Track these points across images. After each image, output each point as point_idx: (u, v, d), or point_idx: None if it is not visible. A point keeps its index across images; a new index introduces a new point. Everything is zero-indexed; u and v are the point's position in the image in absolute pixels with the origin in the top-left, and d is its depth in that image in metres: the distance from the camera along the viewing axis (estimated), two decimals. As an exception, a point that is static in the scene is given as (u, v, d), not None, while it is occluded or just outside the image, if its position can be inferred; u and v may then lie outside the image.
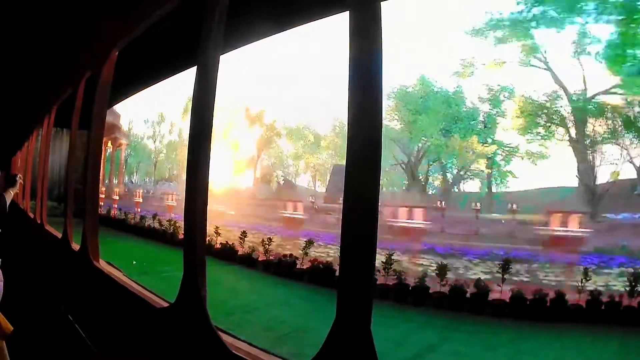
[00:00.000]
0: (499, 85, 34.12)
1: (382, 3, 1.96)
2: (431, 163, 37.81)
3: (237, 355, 2.36)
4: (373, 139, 1.78)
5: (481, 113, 35.49)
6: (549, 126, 29.62)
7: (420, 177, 37.94)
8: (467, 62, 33.68)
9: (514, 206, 24.65)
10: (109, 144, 40.60)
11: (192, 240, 2.44)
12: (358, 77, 1.87)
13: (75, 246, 4.54)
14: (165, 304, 2.81)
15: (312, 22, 2.53)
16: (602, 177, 26.59)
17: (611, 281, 12.17)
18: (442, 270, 11.65)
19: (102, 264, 3.98)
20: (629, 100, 24.89)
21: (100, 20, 3.52)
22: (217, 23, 2.34)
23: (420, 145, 37.16)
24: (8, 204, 4.52)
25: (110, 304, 3.50)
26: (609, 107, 26.36)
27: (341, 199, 2.01)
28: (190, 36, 2.77)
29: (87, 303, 3.96)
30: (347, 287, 1.86)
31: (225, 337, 2.50)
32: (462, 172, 36.57)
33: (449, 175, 37.92)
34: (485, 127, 34.41)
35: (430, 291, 11.44)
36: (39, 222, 7.18)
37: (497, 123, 34.28)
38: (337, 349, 1.95)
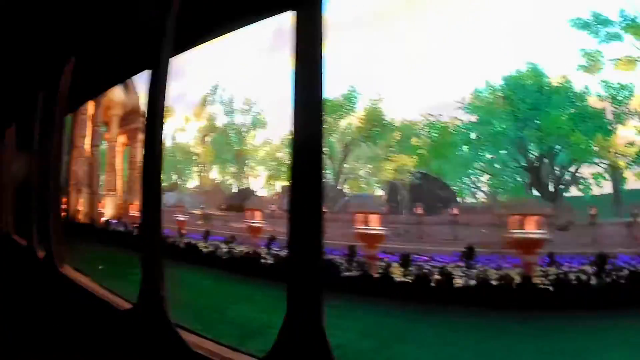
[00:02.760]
0: (618, 83, 31.20)
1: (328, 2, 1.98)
2: (568, 165, 32.54)
3: (199, 354, 2.39)
4: (316, 136, 1.86)
5: (608, 112, 31.55)
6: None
7: (547, 182, 32.93)
8: (593, 56, 30.68)
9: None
10: (126, 138, 34.56)
11: (149, 241, 2.47)
12: (302, 76, 1.93)
13: (41, 253, 4.48)
14: (129, 306, 2.81)
15: (257, 22, 2.56)
16: None
17: None
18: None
19: (68, 270, 3.95)
20: None
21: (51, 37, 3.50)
22: (169, 28, 2.36)
23: (551, 145, 32.33)
24: None
25: (75, 309, 3.48)
26: None
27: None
28: (141, 41, 2.76)
29: (52, 310, 3.92)
30: (296, 282, 1.93)
31: (188, 336, 2.51)
32: (577, 174, 32.52)
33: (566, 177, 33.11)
34: (612, 127, 30.99)
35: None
36: (4, 230, 7.06)
37: (625, 123, 31.11)
38: (289, 344, 2.00)
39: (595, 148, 29.23)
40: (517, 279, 10.65)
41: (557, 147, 31.39)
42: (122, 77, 5.72)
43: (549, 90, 31.78)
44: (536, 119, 31.42)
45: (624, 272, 11.04)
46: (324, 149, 2.01)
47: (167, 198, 35.08)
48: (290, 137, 2.01)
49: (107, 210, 30.30)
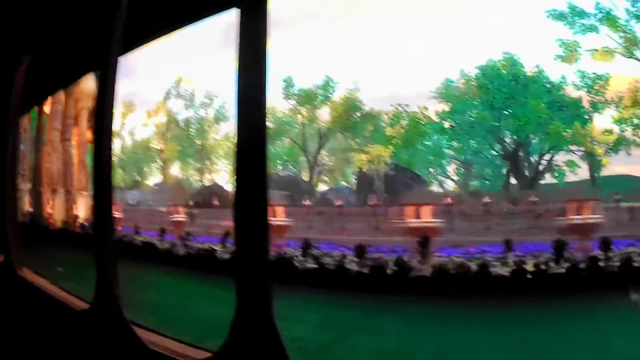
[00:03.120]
0: (594, 73, 31.64)
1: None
2: (544, 153, 32.92)
3: (155, 351, 2.41)
4: (259, 132, 1.90)
5: (584, 101, 31.97)
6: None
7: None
8: (570, 46, 30.97)
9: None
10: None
11: (102, 240, 2.47)
12: (245, 74, 1.96)
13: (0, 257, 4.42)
14: (86, 307, 2.81)
15: (203, 20, 2.58)
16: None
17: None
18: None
19: (27, 273, 3.90)
20: None
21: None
22: (117, 30, 2.37)
23: (528, 134, 32.53)
24: None
25: (33, 311, 3.45)
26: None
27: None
28: (91, 41, 2.75)
29: (9, 313, 3.87)
30: (244, 277, 1.96)
31: (144, 334, 2.53)
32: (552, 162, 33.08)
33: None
34: (589, 116, 31.52)
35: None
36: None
37: (602, 112, 31.62)
38: (241, 337, 2.04)
39: (573, 136, 30.15)
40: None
41: (534, 135, 31.83)
42: (73, 77, 5.62)
43: (524, 79, 32.36)
44: (512, 108, 31.98)
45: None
46: (268, 145, 2.06)
47: (129, 196, 34.28)
48: (235, 133, 2.04)
49: (80, 211, 29.24)
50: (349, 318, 9.33)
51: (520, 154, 32.88)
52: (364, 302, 10.22)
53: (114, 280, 2.74)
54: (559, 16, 30.60)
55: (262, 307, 2.07)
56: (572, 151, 31.86)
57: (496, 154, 33.54)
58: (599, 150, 30.84)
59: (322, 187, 37.04)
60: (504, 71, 32.65)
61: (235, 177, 2.02)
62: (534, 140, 32.41)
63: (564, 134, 30.09)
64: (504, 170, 33.76)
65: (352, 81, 38.08)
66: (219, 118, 44.36)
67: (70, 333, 3.21)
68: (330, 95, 38.89)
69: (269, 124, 36.65)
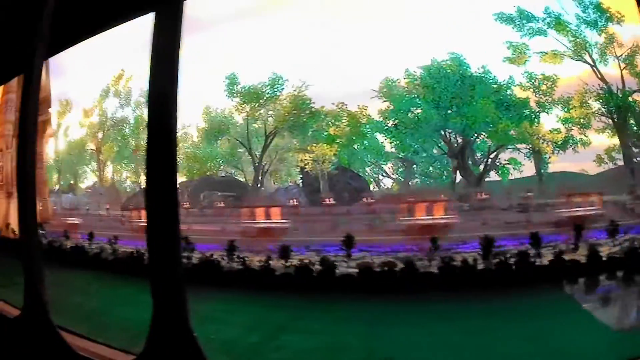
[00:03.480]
0: (542, 74, 32.71)
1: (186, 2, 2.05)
2: (491, 151, 33.92)
3: (82, 356, 2.41)
4: (169, 133, 1.91)
5: (532, 101, 33.10)
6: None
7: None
8: (518, 48, 31.99)
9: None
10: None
11: (27, 245, 2.46)
12: (158, 74, 1.97)
13: None
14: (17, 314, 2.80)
15: (123, 23, 2.61)
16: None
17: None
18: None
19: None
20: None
21: None
22: (42, 32, 2.37)
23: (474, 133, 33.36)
24: None
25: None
26: None
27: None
28: (14, 45, 2.74)
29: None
30: (158, 279, 1.97)
31: (72, 339, 2.52)
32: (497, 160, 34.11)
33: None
34: (536, 116, 32.63)
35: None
36: None
37: (549, 112, 32.77)
38: (159, 339, 2.06)
39: (521, 134, 31.44)
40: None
41: (480, 134, 32.72)
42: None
43: (471, 79, 33.39)
44: (459, 107, 32.43)
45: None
46: (178, 145, 2.09)
47: (63, 200, 33.45)
48: (146, 134, 2.07)
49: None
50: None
51: (467, 152, 33.69)
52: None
53: (42, 286, 2.73)
54: (507, 19, 31.82)
55: (177, 309, 2.10)
56: (518, 149, 33.43)
57: (442, 152, 34.19)
58: (547, 148, 32.40)
59: (269, 188, 36.86)
60: (449, 71, 33.38)
61: (146, 179, 2.04)
62: (480, 139, 33.16)
63: (512, 132, 31.03)
64: (451, 168, 35.32)
65: (299, 79, 37.69)
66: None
67: (2, 340, 3.18)
68: (277, 92, 38.49)
69: (203, 123, 36.35)
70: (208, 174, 37.37)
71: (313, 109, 38.13)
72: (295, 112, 37.62)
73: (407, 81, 34.86)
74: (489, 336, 8.19)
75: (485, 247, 12.00)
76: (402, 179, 37.42)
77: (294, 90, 38.57)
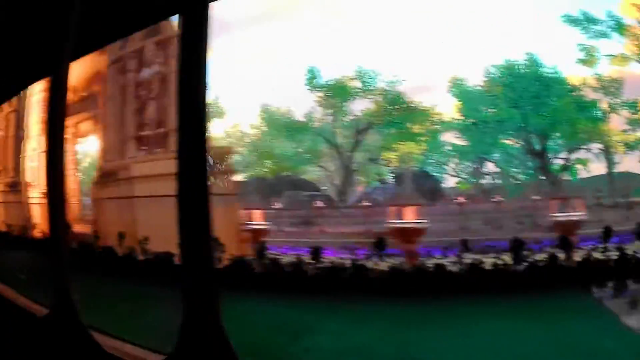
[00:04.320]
0: (609, 76, 33.40)
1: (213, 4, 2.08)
2: (567, 151, 34.56)
3: (113, 355, 2.47)
4: (200, 137, 1.95)
5: (603, 103, 33.90)
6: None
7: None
8: (590, 50, 32.81)
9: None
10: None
11: (56, 244, 2.52)
12: (187, 78, 2.02)
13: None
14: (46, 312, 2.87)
15: (149, 26, 2.65)
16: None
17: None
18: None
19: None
20: None
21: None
22: (71, 33, 2.42)
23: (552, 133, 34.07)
24: None
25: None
26: None
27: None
28: (42, 46, 2.80)
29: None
30: (190, 281, 2.02)
31: (103, 339, 2.59)
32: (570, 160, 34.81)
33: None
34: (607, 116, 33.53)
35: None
36: None
37: (618, 113, 33.56)
38: (190, 341, 2.11)
39: (598, 134, 31.49)
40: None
41: (557, 134, 33.27)
42: (23, 83, 5.60)
43: (546, 79, 33.12)
44: (537, 107, 33.12)
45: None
46: (210, 152, 2.12)
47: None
48: (177, 138, 2.10)
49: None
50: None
51: (545, 152, 33.84)
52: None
53: (70, 284, 2.79)
54: (574, 21, 31.97)
55: (209, 311, 2.14)
56: (589, 150, 33.01)
57: (526, 151, 34.41)
58: (620, 149, 32.18)
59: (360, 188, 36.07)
60: (527, 70, 33.57)
61: (177, 184, 2.07)
62: (556, 139, 33.55)
63: (590, 132, 31.44)
64: (533, 168, 35.31)
65: (391, 73, 36.36)
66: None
67: (30, 340, 3.26)
68: (369, 86, 37.22)
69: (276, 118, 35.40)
70: (285, 173, 36.65)
71: (410, 105, 36.94)
72: (390, 107, 36.57)
73: (484, 80, 34.53)
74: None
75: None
76: (475, 179, 37.13)
77: (387, 84, 37.29)
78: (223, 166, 20.74)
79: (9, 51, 3.79)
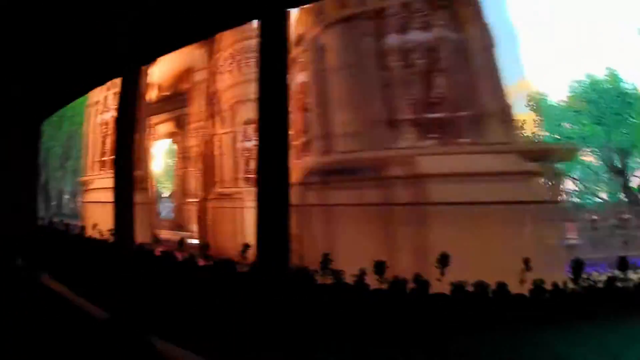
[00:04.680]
0: None
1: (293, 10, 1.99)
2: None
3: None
4: (281, 144, 1.90)
5: None
6: None
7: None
8: None
9: None
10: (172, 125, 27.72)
11: (121, 250, 2.51)
12: (267, 82, 1.98)
13: (19, 262, 4.53)
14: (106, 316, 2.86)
15: (225, 30, 2.63)
16: None
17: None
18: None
19: (46, 280, 4.00)
20: None
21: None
22: (142, 36, 2.44)
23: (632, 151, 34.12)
24: None
25: (53, 319, 3.52)
26: None
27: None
28: (114, 47, 2.82)
29: (30, 320, 3.96)
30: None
31: (162, 346, 2.56)
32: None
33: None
34: None
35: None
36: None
37: None
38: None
39: None
40: None
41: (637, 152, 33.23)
42: (95, 82, 5.73)
43: (627, 96, 32.61)
44: (620, 124, 33.09)
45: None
46: (289, 158, 2.07)
47: None
48: (257, 142, 2.06)
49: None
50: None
51: (626, 170, 33.25)
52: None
53: (133, 291, 2.77)
54: None
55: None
56: None
57: (609, 169, 33.85)
58: None
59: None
60: (609, 86, 33.35)
61: (259, 179, 2.02)
62: (635, 157, 33.28)
63: None
64: (618, 186, 34.40)
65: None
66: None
67: (90, 342, 3.26)
68: None
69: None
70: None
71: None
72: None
73: (568, 95, 33.90)
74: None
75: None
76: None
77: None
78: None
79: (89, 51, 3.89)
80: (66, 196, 47.18)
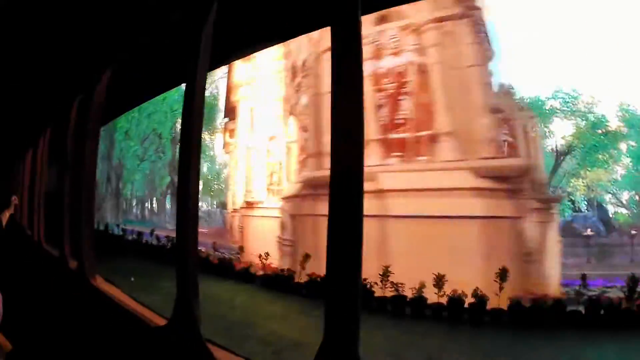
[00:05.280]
0: None
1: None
2: None
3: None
4: (356, 152, 1.89)
5: None
6: None
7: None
8: None
9: None
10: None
11: (183, 257, 2.53)
12: (342, 90, 1.98)
13: (73, 264, 4.64)
14: (162, 323, 2.89)
15: (294, 38, 2.64)
16: None
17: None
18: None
19: (99, 282, 4.08)
20: None
21: (91, 43, 3.63)
22: (205, 42, 2.47)
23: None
24: (4, 224, 4.77)
25: (106, 323, 3.59)
26: None
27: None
28: (179, 53, 2.88)
29: (83, 323, 4.06)
30: (334, 304, 1.95)
31: (221, 354, 2.59)
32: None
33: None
34: None
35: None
36: (36, 239, 7.36)
37: None
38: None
39: None
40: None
41: None
42: (158, 89, 5.88)
43: None
44: None
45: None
46: (364, 168, 2.04)
47: None
48: (331, 154, 2.04)
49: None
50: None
51: None
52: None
53: (194, 300, 2.78)
54: None
55: (349, 339, 2.05)
56: None
57: None
58: None
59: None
60: None
61: (331, 186, 1.99)
62: None
63: None
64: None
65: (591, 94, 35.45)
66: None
67: (145, 348, 3.31)
68: (569, 107, 36.30)
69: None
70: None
71: (608, 128, 35.51)
72: (588, 131, 35.38)
73: None
74: None
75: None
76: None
77: (585, 107, 36.06)
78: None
79: (151, 56, 3.99)
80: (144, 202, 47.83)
